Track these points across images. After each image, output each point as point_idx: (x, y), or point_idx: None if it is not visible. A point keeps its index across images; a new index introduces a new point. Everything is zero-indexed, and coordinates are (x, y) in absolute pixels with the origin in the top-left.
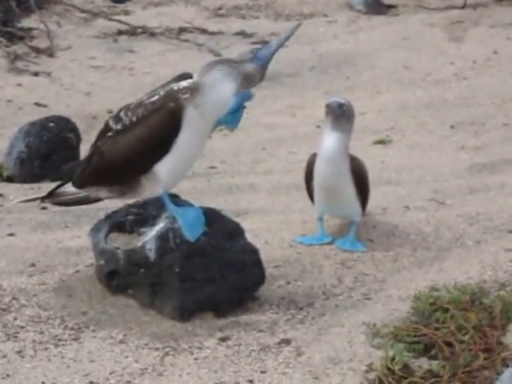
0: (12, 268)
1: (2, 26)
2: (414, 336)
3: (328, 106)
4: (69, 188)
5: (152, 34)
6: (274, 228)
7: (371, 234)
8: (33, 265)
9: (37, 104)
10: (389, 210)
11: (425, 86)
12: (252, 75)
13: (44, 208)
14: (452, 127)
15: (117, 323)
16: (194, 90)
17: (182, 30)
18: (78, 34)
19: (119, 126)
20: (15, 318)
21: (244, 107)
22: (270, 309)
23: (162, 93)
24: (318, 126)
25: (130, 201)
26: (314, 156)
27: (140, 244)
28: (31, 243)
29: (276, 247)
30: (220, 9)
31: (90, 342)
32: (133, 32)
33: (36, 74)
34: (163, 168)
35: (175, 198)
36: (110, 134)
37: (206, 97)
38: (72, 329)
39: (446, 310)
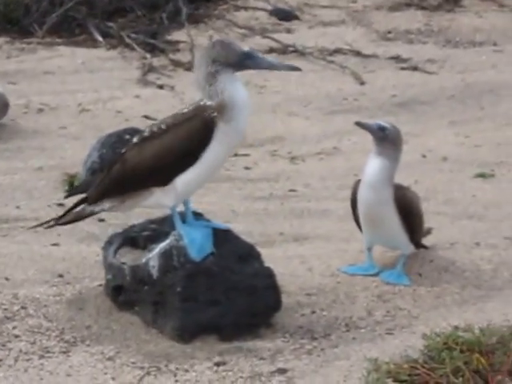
0: (38, 277)
1: (150, 38)
2: (409, 375)
3: (367, 128)
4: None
5: (302, 54)
6: (326, 255)
7: (424, 268)
8: (60, 276)
9: (145, 117)
10: (457, 245)
11: None
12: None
13: (102, 220)
14: None
15: (116, 340)
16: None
17: (336, 51)
18: None
19: (146, 134)
20: (14, 327)
21: None
22: (282, 337)
23: (191, 107)
24: (424, 156)
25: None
26: (358, 182)
27: (144, 260)
28: (69, 254)
29: (317, 275)
30: (390, 32)
31: (78, 356)
32: (283, 50)
33: (161, 87)
34: (183, 180)
35: (198, 216)
36: (135, 140)
37: (240, 111)
38: (67, 342)
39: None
